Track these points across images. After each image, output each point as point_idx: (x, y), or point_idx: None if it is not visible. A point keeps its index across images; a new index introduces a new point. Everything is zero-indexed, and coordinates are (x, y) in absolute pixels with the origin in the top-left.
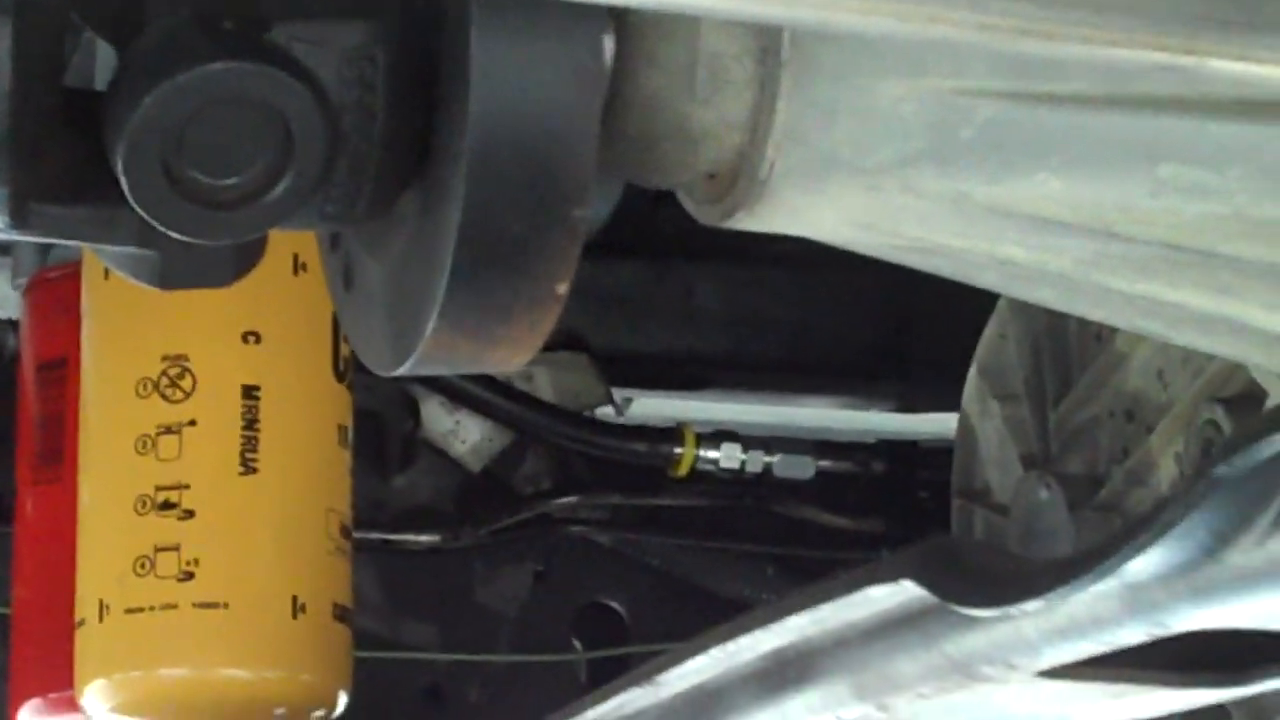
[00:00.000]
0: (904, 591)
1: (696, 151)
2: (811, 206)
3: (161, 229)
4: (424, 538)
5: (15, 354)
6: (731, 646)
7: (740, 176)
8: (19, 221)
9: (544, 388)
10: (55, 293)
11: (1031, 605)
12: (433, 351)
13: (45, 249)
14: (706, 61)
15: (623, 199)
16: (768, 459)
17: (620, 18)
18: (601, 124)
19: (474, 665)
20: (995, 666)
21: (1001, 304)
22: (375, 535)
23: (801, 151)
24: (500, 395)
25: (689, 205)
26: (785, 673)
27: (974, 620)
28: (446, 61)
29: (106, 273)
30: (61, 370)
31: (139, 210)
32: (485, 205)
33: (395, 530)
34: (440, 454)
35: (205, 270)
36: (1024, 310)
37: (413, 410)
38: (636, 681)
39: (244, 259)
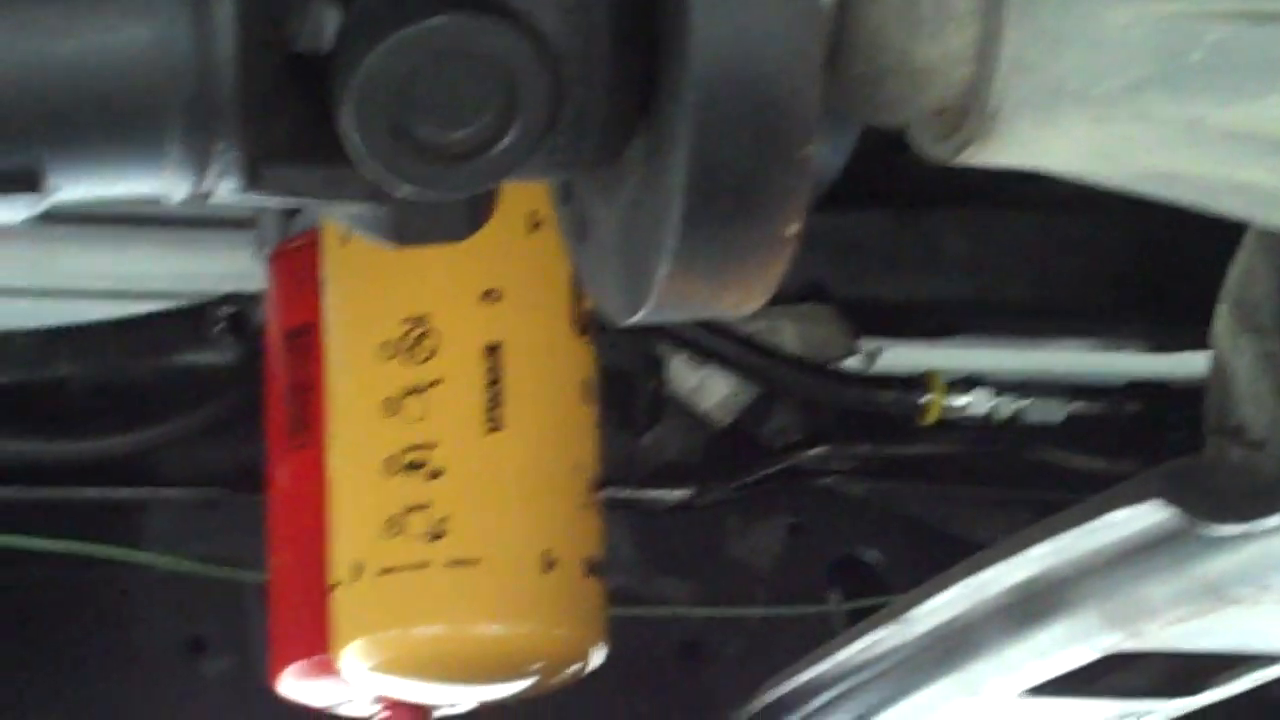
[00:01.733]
0: (1150, 514)
1: (923, 87)
2: (1042, 138)
3: (391, 185)
4: (675, 494)
5: (262, 325)
6: (978, 581)
7: (969, 111)
8: (252, 182)
9: (790, 340)
10: (297, 262)
11: None
12: (667, 297)
13: (287, 221)
14: None
15: (861, 147)
16: (1017, 404)
17: None
18: (825, 62)
19: (729, 620)
20: (1248, 588)
21: (1249, 234)
22: (626, 493)
23: (1030, 82)
24: (746, 349)
25: (918, 143)
26: (1033, 605)
27: (1224, 540)
28: (666, 3)
29: (346, 238)
30: (307, 338)
31: (368, 168)
32: (712, 146)
33: (645, 487)
34: (687, 410)
35: (439, 225)
36: (1273, 240)
37: (658, 368)
38: (885, 620)
39: (477, 213)
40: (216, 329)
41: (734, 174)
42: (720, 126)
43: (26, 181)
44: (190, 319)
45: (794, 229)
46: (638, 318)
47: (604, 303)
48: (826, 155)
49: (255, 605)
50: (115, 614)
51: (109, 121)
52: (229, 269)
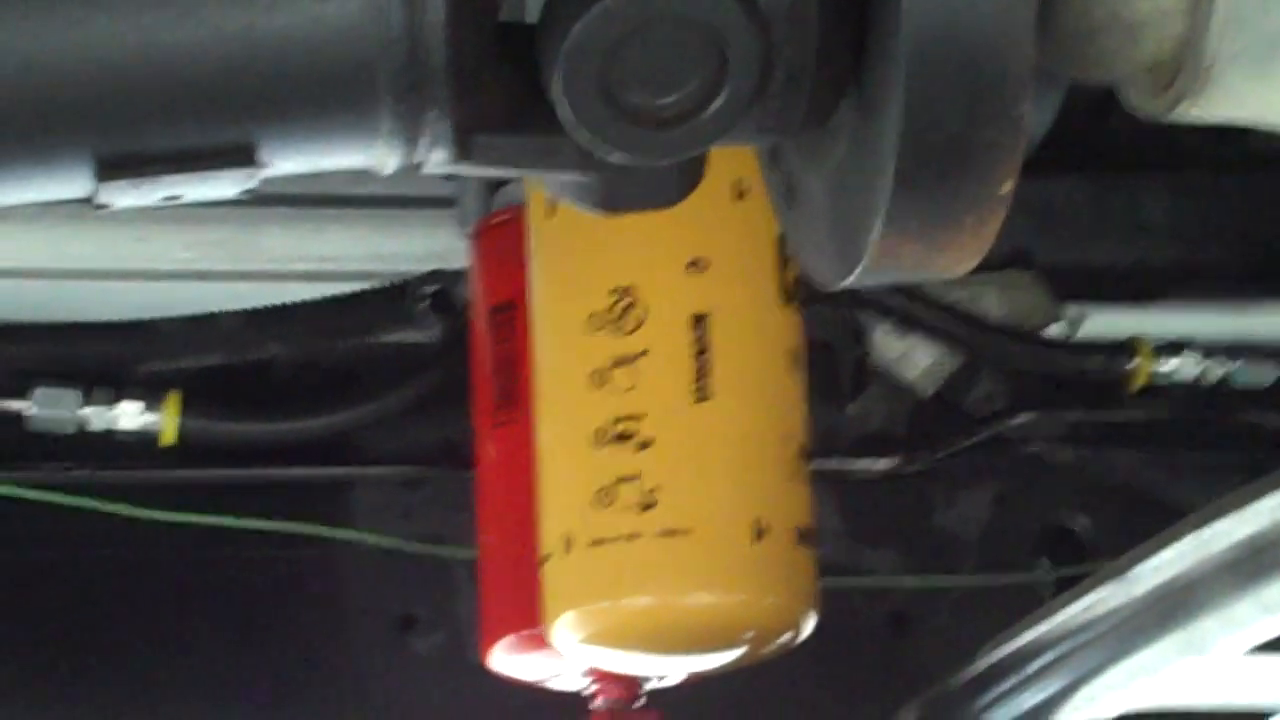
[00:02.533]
0: None
1: (1136, 42)
2: (1257, 91)
3: (601, 152)
4: (880, 464)
5: (466, 303)
6: (1202, 536)
7: (1183, 65)
8: (464, 153)
9: (993, 308)
10: (500, 237)
11: None
12: (879, 259)
13: (489, 197)
14: None
15: (1063, 112)
16: (1225, 368)
17: None
18: (1037, 19)
19: (937, 589)
20: None
21: None
22: (832, 464)
23: (1243, 36)
24: (950, 318)
25: (1131, 100)
26: (1262, 559)
27: None
28: None
29: (550, 212)
30: (511, 313)
31: (579, 135)
32: (925, 106)
33: (851, 457)
34: (892, 380)
35: (649, 192)
36: None
37: (862, 338)
38: (1106, 579)
39: (686, 179)
40: (420, 307)
41: (947, 133)
42: (932, 85)
43: (240, 157)
44: (394, 297)
45: (1008, 187)
46: (849, 281)
47: (814, 267)
48: (1033, 115)
49: (464, 581)
50: (326, 592)
51: (321, 94)
52: (431, 247)
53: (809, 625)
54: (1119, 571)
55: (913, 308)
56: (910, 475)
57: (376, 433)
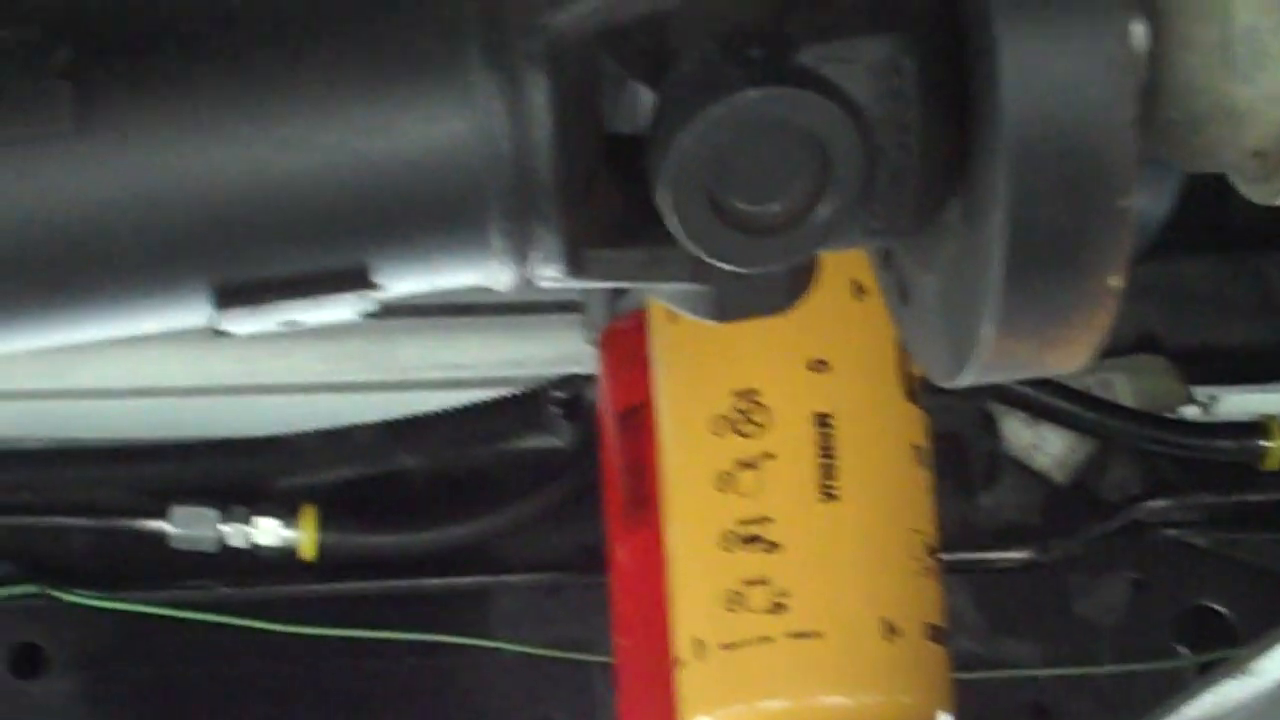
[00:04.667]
0: None
1: (1241, 130)
2: None
3: (712, 261)
4: (1015, 554)
5: (595, 407)
6: None
7: None
8: (574, 268)
9: (1123, 393)
10: (626, 341)
11: None
12: (991, 357)
13: (614, 301)
14: (1242, 37)
15: (1186, 193)
16: None
17: (1149, 2)
18: (1140, 111)
19: (1077, 679)
20: None
21: None
22: (966, 555)
23: None
24: (1081, 404)
25: (1240, 186)
26: None
27: None
28: (974, 62)
29: (672, 316)
30: (639, 417)
31: (689, 245)
32: (1030, 203)
33: (985, 549)
34: (1024, 469)
35: (761, 298)
36: None
37: (992, 427)
38: (1230, 673)
39: (798, 284)
40: (552, 413)
41: (1054, 230)
42: (1037, 183)
43: (356, 280)
44: (525, 404)
45: (1118, 282)
46: (962, 380)
47: (928, 366)
48: (1149, 204)
49: (602, 685)
50: (468, 700)
51: (432, 215)
52: (562, 351)
53: None
54: (1243, 664)
55: (1042, 396)
56: (1046, 564)
57: (513, 540)
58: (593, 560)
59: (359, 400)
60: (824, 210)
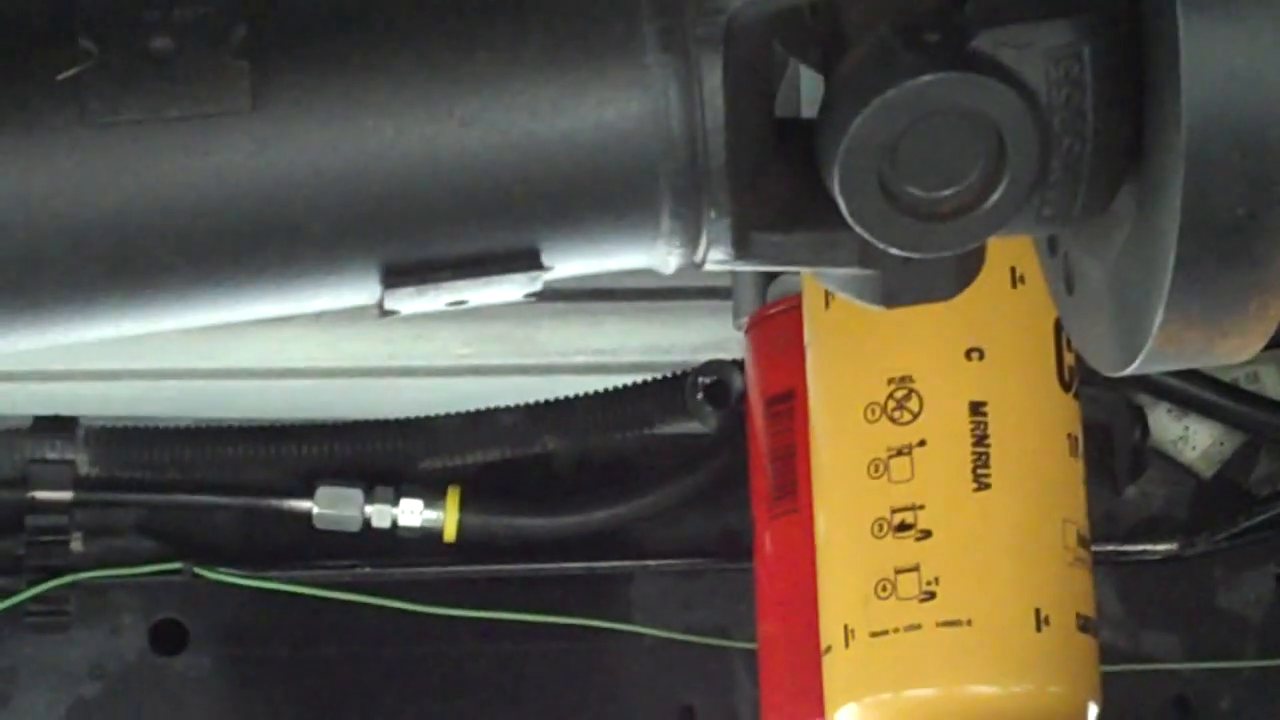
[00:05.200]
0: None
1: None
2: None
3: (882, 246)
4: (1160, 547)
5: (742, 393)
6: None
7: None
8: (742, 250)
9: (1272, 386)
10: (777, 328)
11: None
12: (1161, 346)
13: (764, 287)
14: None
15: None
16: None
17: None
18: None
19: (1221, 673)
20: None
21: None
22: (1111, 547)
23: None
24: (1229, 397)
25: None
26: None
27: None
28: (1153, 49)
29: (827, 302)
30: (789, 403)
31: (859, 230)
32: (1206, 192)
33: (1130, 541)
34: (1171, 461)
35: (928, 284)
36: None
37: (1140, 419)
38: None
39: (965, 270)
40: (697, 398)
41: (1229, 219)
42: (1213, 171)
43: (525, 261)
44: (670, 389)
45: None
46: (1132, 368)
47: (1095, 355)
48: None
49: (744, 673)
50: (608, 684)
51: (603, 197)
52: (706, 338)
53: (1092, 714)
54: None
55: (1191, 388)
56: (1191, 558)
57: (655, 525)
58: (735, 546)
59: (502, 383)
60: (996, 197)
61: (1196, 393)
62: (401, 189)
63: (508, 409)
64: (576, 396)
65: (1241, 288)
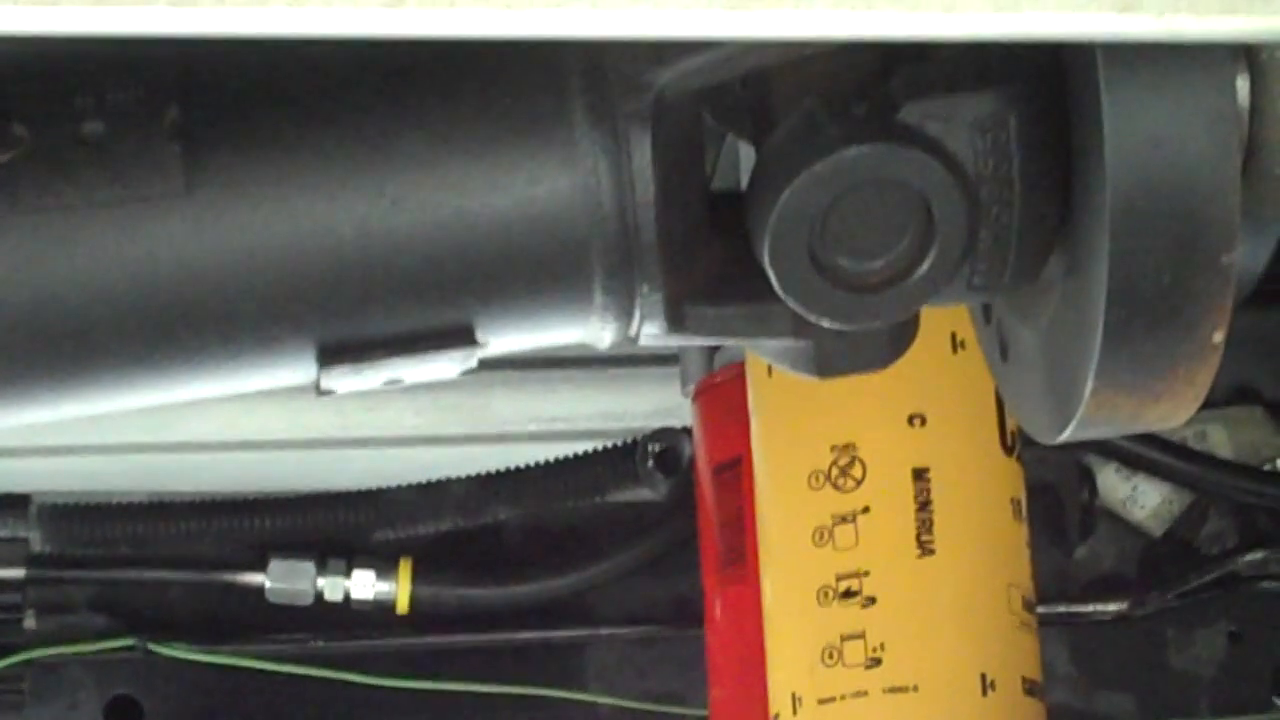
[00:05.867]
0: None
1: None
2: None
3: (814, 318)
4: (1112, 607)
5: (692, 460)
6: None
7: None
8: (676, 324)
9: (1220, 445)
10: (723, 395)
11: None
12: (1093, 413)
13: (710, 355)
14: None
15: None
16: None
17: (1251, 57)
18: (1242, 168)
19: None
20: None
21: None
22: (1062, 608)
23: None
24: (1177, 456)
25: None
26: None
27: None
28: (1078, 118)
29: (770, 370)
30: (736, 470)
31: (790, 302)
32: (1132, 260)
33: (1082, 601)
34: (1120, 521)
35: (862, 354)
36: None
37: (1089, 479)
38: None
39: (899, 339)
40: (647, 466)
41: (1156, 286)
42: (1140, 239)
43: (459, 338)
44: (621, 457)
45: (1219, 336)
46: (1065, 435)
47: (1029, 422)
48: (1248, 258)
49: None
50: None
51: (535, 273)
52: (658, 403)
53: None
54: None
55: (1138, 448)
56: (1143, 617)
57: (608, 593)
58: (688, 613)
59: (454, 453)
60: (925, 268)
61: (1144, 452)
62: (334, 269)
63: (459, 480)
64: (528, 466)
65: (1170, 354)
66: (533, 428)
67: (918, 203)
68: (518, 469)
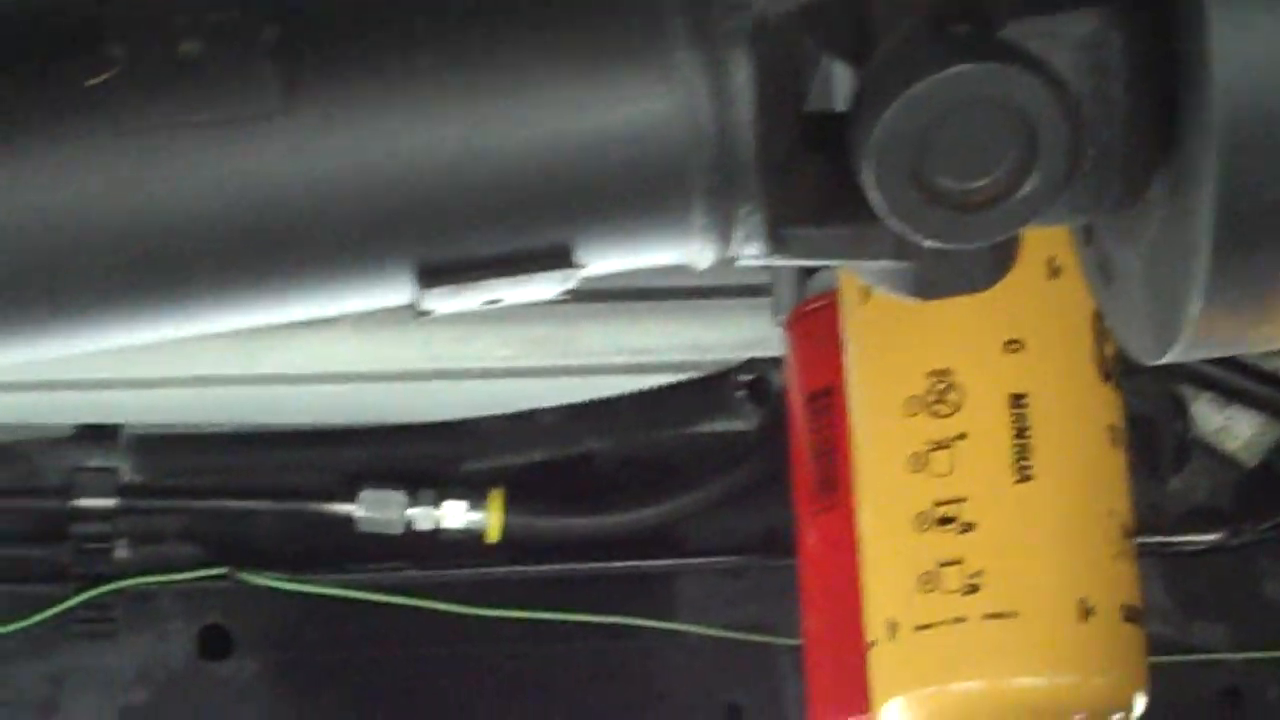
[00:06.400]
0: None
1: None
2: None
3: (915, 238)
4: (1206, 537)
5: (782, 390)
6: None
7: None
8: (776, 245)
9: None
10: (816, 324)
11: None
12: (1198, 333)
13: (803, 283)
14: None
15: None
16: None
17: None
18: None
19: (1270, 662)
20: None
21: None
22: (1156, 539)
23: None
24: (1271, 386)
25: None
26: None
27: None
28: (1182, 34)
29: (864, 296)
30: (829, 399)
31: (892, 222)
32: (1240, 176)
33: (1176, 532)
34: (1214, 452)
35: (963, 276)
36: None
37: (1183, 411)
38: None
39: (1001, 261)
40: (737, 396)
41: (1264, 203)
42: (1247, 154)
43: (558, 259)
44: (712, 388)
45: None
46: (1169, 356)
47: (1132, 344)
48: None
49: (790, 669)
50: (653, 683)
51: (635, 193)
52: (747, 335)
53: (1140, 705)
54: None
55: (1233, 378)
56: (1237, 547)
57: (698, 523)
58: (778, 543)
59: (544, 385)
60: (1029, 187)
61: (1239, 383)
62: (434, 189)
63: (549, 410)
64: (618, 396)
65: (1276, 273)
66: (621, 360)
67: (1021, 122)
68: (608, 399)
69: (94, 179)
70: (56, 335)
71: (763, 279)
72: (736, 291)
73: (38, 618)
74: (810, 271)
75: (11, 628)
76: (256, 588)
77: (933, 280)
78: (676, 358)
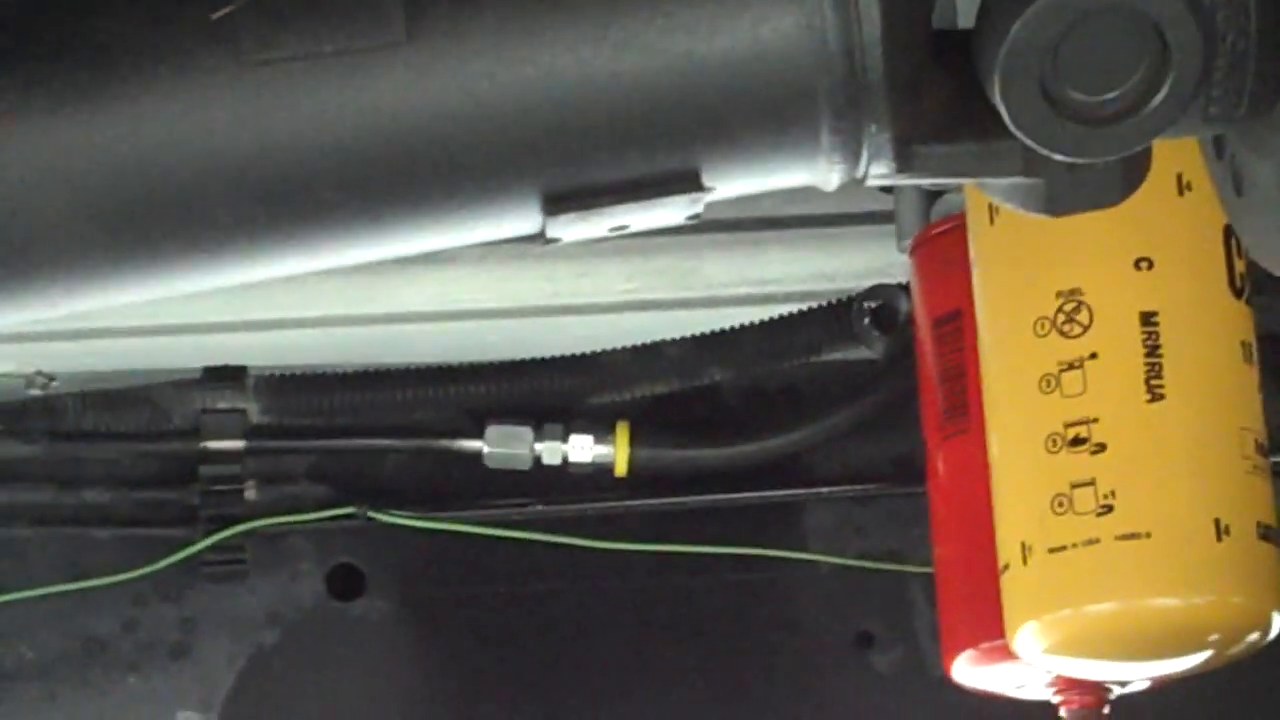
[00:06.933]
0: None
1: None
2: None
3: (1045, 152)
4: None
5: (909, 316)
6: None
7: None
8: (905, 163)
9: None
10: (941, 248)
11: None
12: None
13: (927, 208)
14: None
15: None
16: None
17: None
18: None
19: None
20: None
21: None
22: None
23: None
24: None
25: None
26: None
27: None
28: None
29: (991, 218)
30: (957, 323)
31: (1022, 136)
32: None
33: None
34: None
35: (1093, 191)
36: None
37: None
38: None
39: (1131, 175)
40: (863, 324)
41: None
42: None
43: (685, 182)
44: (837, 316)
45: None
46: None
47: (1266, 256)
48: None
49: (920, 596)
50: (782, 613)
51: (762, 114)
52: (871, 263)
53: (1276, 624)
54: None
55: None
56: None
57: (825, 452)
58: (906, 471)
59: (666, 317)
60: (1160, 98)
61: None
62: (559, 115)
63: (674, 341)
64: (742, 326)
65: None
66: (744, 290)
67: (1151, 31)
68: (733, 329)
69: (220, 112)
70: (186, 271)
71: (886, 205)
72: (859, 219)
73: (168, 561)
74: (934, 196)
75: (142, 571)
76: (386, 526)
77: (1063, 195)
78: (800, 287)
